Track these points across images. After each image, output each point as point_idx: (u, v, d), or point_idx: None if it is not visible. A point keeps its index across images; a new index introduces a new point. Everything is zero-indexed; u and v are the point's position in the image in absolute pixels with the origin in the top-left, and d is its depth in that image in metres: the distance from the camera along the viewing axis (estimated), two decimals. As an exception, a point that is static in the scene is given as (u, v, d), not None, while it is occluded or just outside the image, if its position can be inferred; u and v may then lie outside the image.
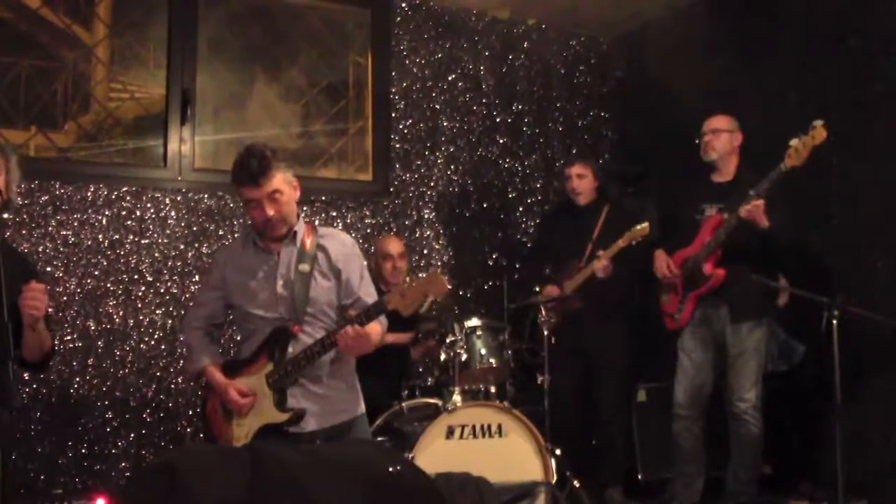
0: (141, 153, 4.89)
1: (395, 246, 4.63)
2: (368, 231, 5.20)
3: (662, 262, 4.27)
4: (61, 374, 4.36)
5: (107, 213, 4.55)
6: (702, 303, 4.21)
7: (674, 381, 4.32)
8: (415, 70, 5.48)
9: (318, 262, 3.20)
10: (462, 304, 5.38)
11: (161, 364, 4.59)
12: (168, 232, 4.69)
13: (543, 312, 4.39)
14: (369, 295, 3.23)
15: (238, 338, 3.68)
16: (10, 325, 2.47)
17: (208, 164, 4.93)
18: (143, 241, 4.62)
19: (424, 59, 5.51)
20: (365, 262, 3.37)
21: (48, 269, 4.38)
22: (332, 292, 3.21)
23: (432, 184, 5.49)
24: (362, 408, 3.31)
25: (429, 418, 3.84)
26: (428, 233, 5.44)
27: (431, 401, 4.11)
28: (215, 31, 5.01)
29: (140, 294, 4.58)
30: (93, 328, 4.46)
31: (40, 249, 4.37)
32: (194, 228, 4.75)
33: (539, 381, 4.40)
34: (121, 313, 4.52)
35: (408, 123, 5.44)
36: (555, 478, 3.89)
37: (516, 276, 5.44)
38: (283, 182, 3.11)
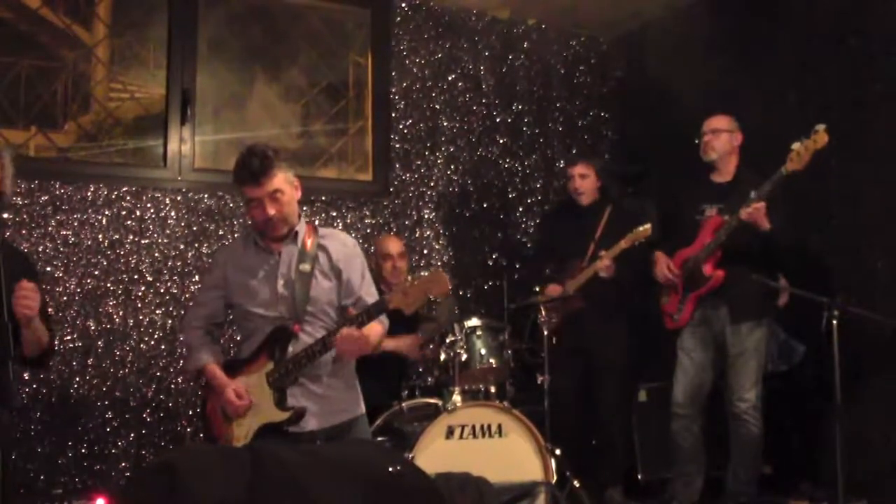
0: (141, 153, 4.89)
1: (394, 246, 4.63)
2: (368, 231, 5.20)
3: (663, 265, 4.27)
4: (61, 374, 4.36)
5: (107, 213, 4.55)
6: (701, 303, 4.21)
7: (673, 381, 4.32)
8: (415, 70, 5.48)
9: (319, 261, 3.21)
10: (462, 304, 5.38)
11: (161, 364, 4.59)
12: (168, 232, 4.69)
13: (543, 312, 4.39)
14: (370, 295, 3.23)
15: (238, 337, 3.68)
16: (10, 326, 2.47)
17: (208, 164, 4.93)
18: (143, 241, 4.62)
19: (424, 59, 5.52)
20: (366, 263, 3.37)
21: (48, 269, 4.38)
22: (333, 292, 3.21)
23: (432, 184, 5.49)
24: (362, 408, 3.31)
25: (429, 418, 3.84)
26: (428, 233, 5.45)
27: (431, 401, 4.11)
28: (215, 31, 5.01)
29: (140, 294, 4.59)
30: (93, 328, 4.46)
31: (40, 249, 4.37)
32: (194, 228, 4.75)
33: (539, 382, 4.40)
34: (121, 313, 4.52)
35: (408, 123, 5.44)
36: (555, 478, 3.89)
37: (516, 276, 5.45)
38: (284, 182, 3.12)
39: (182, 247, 4.71)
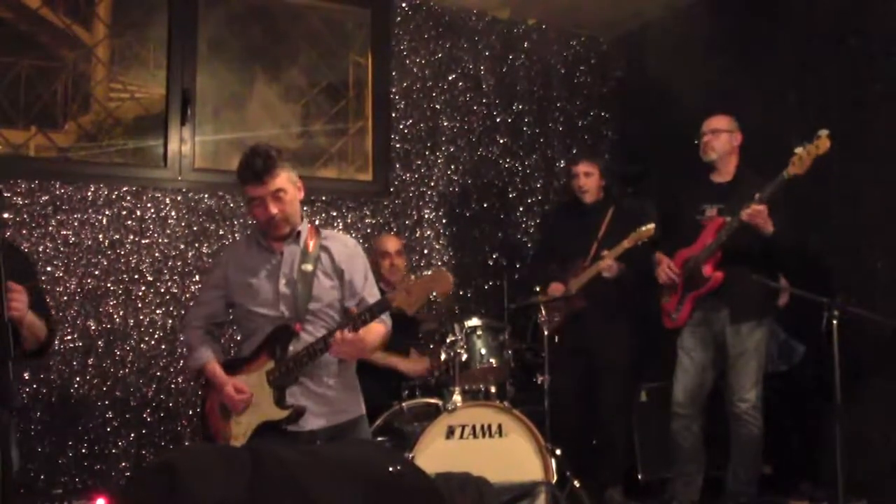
0: (141, 153, 4.89)
1: (392, 244, 4.63)
2: (368, 231, 5.20)
3: (664, 267, 4.28)
4: (61, 374, 4.36)
5: (107, 213, 4.55)
6: (701, 303, 4.21)
7: (673, 380, 4.33)
8: (415, 70, 5.48)
9: (322, 262, 3.22)
10: (462, 304, 5.38)
11: (161, 364, 4.59)
12: (168, 232, 4.69)
13: (544, 312, 4.39)
14: (373, 295, 3.24)
15: (238, 337, 3.68)
16: (10, 326, 2.48)
17: (208, 164, 4.93)
18: (143, 241, 4.62)
19: (424, 59, 5.52)
20: (369, 264, 3.38)
21: (48, 269, 4.38)
22: (335, 292, 3.22)
23: (432, 184, 5.49)
24: (363, 409, 3.31)
25: (429, 418, 3.84)
26: (428, 233, 5.45)
27: (431, 401, 4.11)
28: (215, 31, 5.01)
29: (140, 294, 4.59)
30: (93, 328, 4.46)
31: (40, 249, 4.38)
32: (194, 228, 4.75)
33: (539, 381, 4.40)
34: (121, 313, 4.53)
35: (408, 123, 5.44)
36: (555, 478, 3.89)
37: (516, 276, 5.45)
38: (287, 181, 3.13)
39: (182, 247, 4.71)
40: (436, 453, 3.71)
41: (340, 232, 4.92)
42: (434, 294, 2.96)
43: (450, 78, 5.59)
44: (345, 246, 3.30)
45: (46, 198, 4.42)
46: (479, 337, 4.18)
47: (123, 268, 4.56)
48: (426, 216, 5.44)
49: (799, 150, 3.79)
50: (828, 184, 4.43)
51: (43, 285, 4.26)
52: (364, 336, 3.03)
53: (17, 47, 4.61)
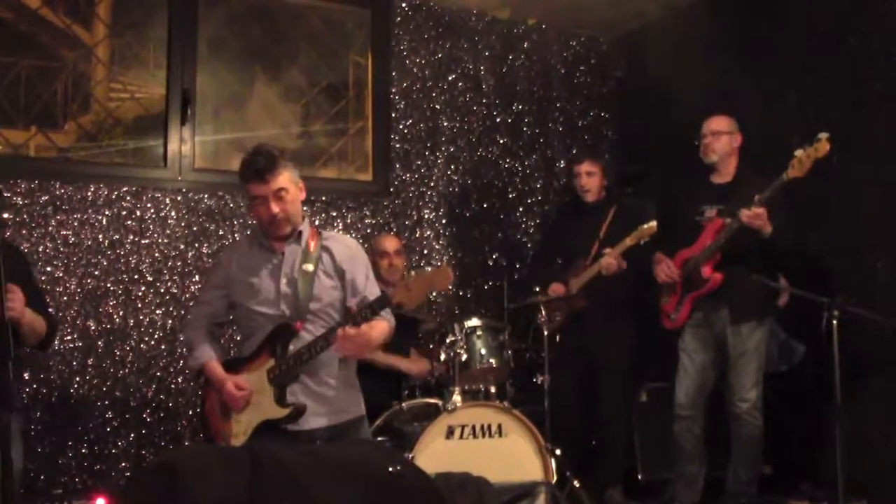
0: (141, 153, 4.89)
1: (391, 244, 4.63)
2: (368, 231, 5.20)
3: (663, 268, 4.28)
4: (61, 374, 4.36)
5: (107, 213, 4.55)
6: (701, 304, 4.21)
7: (674, 381, 4.33)
8: (415, 70, 5.48)
9: (323, 262, 3.23)
10: (462, 304, 5.38)
11: (161, 364, 4.59)
12: (168, 232, 4.69)
13: (544, 312, 4.39)
14: (374, 295, 3.23)
15: (238, 338, 3.68)
16: (9, 327, 2.49)
17: (208, 164, 4.93)
18: (143, 241, 4.62)
19: (424, 59, 5.52)
20: (370, 264, 3.38)
21: (48, 269, 4.38)
22: (336, 291, 3.22)
23: (432, 184, 5.49)
24: (363, 409, 3.31)
25: (429, 418, 3.84)
26: (428, 233, 5.45)
27: (431, 401, 4.11)
28: (215, 31, 5.01)
29: (140, 294, 4.59)
30: (93, 328, 4.46)
31: (40, 249, 4.38)
32: (194, 228, 4.75)
33: (539, 381, 4.40)
34: (121, 313, 4.53)
35: (408, 123, 5.44)
36: (555, 478, 3.89)
37: (516, 276, 5.45)
38: (289, 181, 3.15)
39: (182, 247, 4.71)
40: (436, 453, 3.71)
41: (340, 232, 4.93)
42: (434, 289, 2.97)
43: (450, 78, 5.59)
44: (346, 246, 3.31)
45: (46, 198, 4.42)
46: (478, 337, 4.18)
47: (123, 268, 4.56)
48: (426, 216, 5.44)
49: (798, 152, 3.79)
50: (828, 184, 4.43)
51: (43, 285, 4.27)
52: (367, 331, 3.03)
53: (17, 47, 4.60)
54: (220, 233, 4.81)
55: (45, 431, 4.29)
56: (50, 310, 3.32)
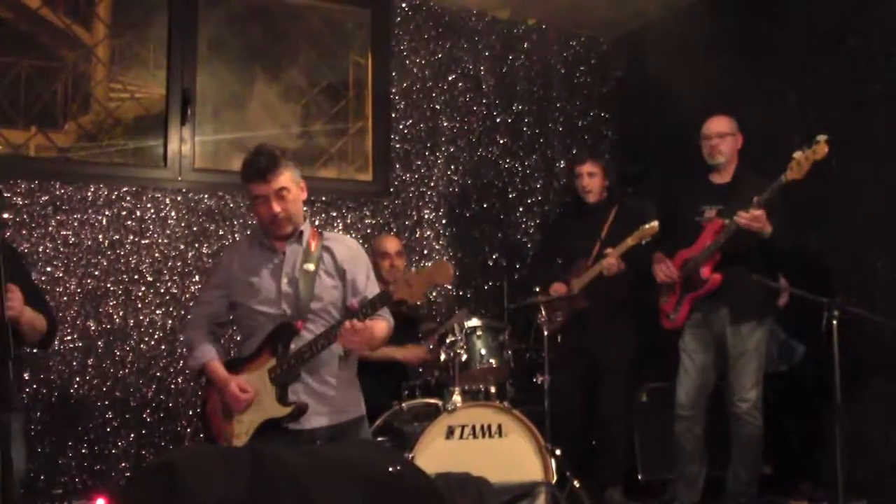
0: (141, 153, 4.89)
1: (392, 244, 4.63)
2: (368, 231, 5.20)
3: (662, 268, 4.28)
4: (61, 374, 4.36)
5: (107, 213, 4.55)
6: (700, 305, 4.22)
7: (674, 381, 4.33)
8: (415, 70, 5.48)
9: (324, 261, 3.24)
10: (462, 304, 5.38)
11: (161, 364, 4.59)
12: (168, 232, 4.69)
13: (544, 312, 4.39)
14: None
15: (238, 338, 3.68)
16: (9, 327, 2.49)
17: (208, 164, 4.93)
18: (143, 241, 4.62)
19: (424, 59, 5.52)
20: (370, 264, 3.38)
21: (48, 269, 4.38)
22: (337, 291, 3.23)
23: (432, 184, 5.49)
24: (363, 409, 3.31)
25: (429, 418, 3.84)
26: (428, 233, 5.44)
27: (431, 401, 4.11)
28: (215, 31, 5.01)
29: (140, 294, 4.59)
30: (93, 328, 4.46)
31: (40, 249, 4.37)
32: (194, 228, 4.75)
33: (539, 382, 4.40)
34: (121, 313, 4.52)
35: (408, 123, 5.44)
36: (555, 478, 3.89)
37: (516, 276, 5.45)
38: (290, 180, 3.15)
39: (182, 247, 4.71)
40: (436, 453, 3.71)
41: (340, 232, 4.94)
42: (435, 284, 2.98)
43: (450, 78, 5.59)
44: (347, 247, 3.32)
45: (46, 198, 4.42)
46: (478, 337, 4.18)
47: (123, 268, 4.56)
48: (426, 216, 5.44)
49: (797, 154, 3.80)
50: (827, 184, 4.43)
51: (43, 285, 4.27)
52: (372, 326, 3.05)
53: (17, 47, 4.60)
54: (220, 233, 4.81)
55: (45, 431, 4.29)
56: (48, 307, 3.32)
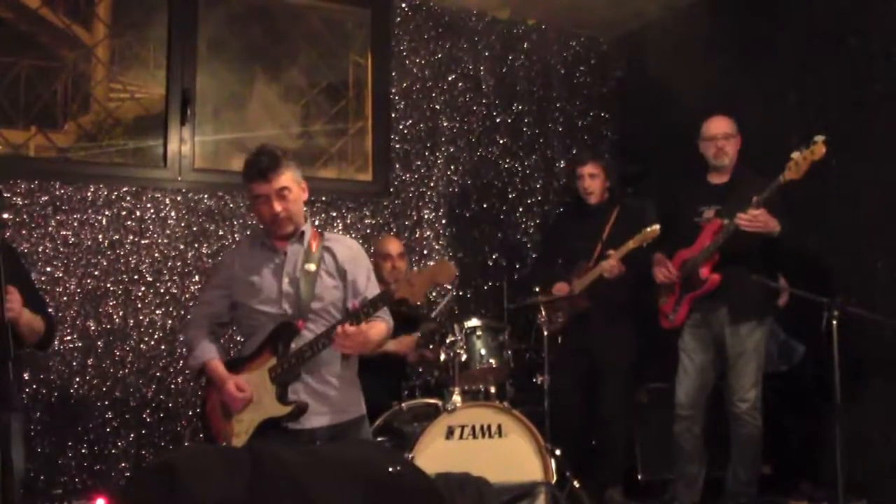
0: (141, 153, 4.89)
1: (394, 246, 4.63)
2: (368, 231, 5.20)
3: (661, 269, 4.28)
4: (61, 374, 4.36)
5: (107, 213, 4.55)
6: (700, 305, 4.21)
7: (674, 382, 4.33)
8: (415, 70, 5.48)
9: (325, 262, 3.24)
10: (462, 304, 5.38)
11: (161, 364, 4.59)
12: (168, 232, 4.69)
13: (543, 313, 4.39)
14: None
15: (239, 338, 3.69)
16: (9, 327, 2.49)
17: (208, 164, 4.93)
18: (143, 242, 4.62)
19: (424, 59, 5.52)
20: (371, 266, 3.39)
21: (48, 269, 4.38)
22: (338, 291, 3.23)
23: (432, 184, 5.49)
24: (363, 409, 3.31)
25: (429, 418, 3.84)
26: (428, 233, 5.44)
27: (431, 401, 4.11)
28: (215, 31, 5.01)
29: (140, 294, 4.59)
30: (93, 328, 4.46)
31: (40, 249, 4.38)
32: (194, 228, 4.75)
33: (539, 382, 4.40)
34: (121, 313, 4.52)
35: (408, 123, 5.44)
36: (555, 478, 3.89)
37: (516, 277, 5.45)
38: (291, 180, 3.16)
39: (182, 247, 4.71)
40: (435, 454, 3.71)
41: (340, 233, 4.94)
42: (437, 283, 2.98)
43: (450, 78, 5.59)
44: (348, 247, 3.32)
45: (46, 198, 4.42)
46: (478, 337, 4.18)
47: (123, 268, 4.56)
48: (426, 216, 5.44)
49: (795, 155, 3.79)
50: (827, 184, 4.43)
51: (42, 285, 4.27)
52: (366, 330, 3.04)
53: (17, 47, 4.61)
54: (220, 233, 4.81)
55: (45, 431, 4.29)
56: (49, 309, 3.32)
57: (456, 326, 4.13)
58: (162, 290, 4.64)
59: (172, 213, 4.71)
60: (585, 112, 6.05)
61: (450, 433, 3.80)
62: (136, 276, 4.58)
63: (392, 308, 3.22)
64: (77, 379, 4.40)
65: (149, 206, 4.66)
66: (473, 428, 3.83)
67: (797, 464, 4.58)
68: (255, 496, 2.36)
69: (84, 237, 4.49)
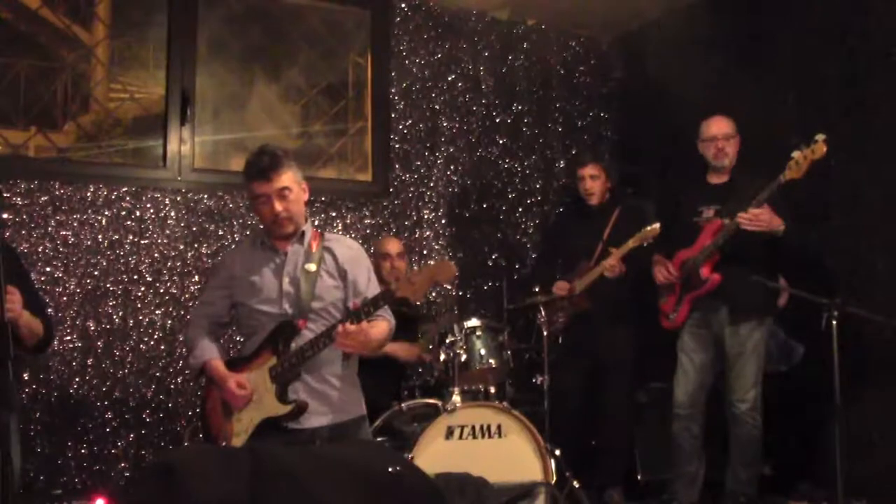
0: (141, 153, 4.90)
1: (393, 246, 4.63)
2: (368, 231, 5.20)
3: (661, 269, 4.28)
4: (61, 374, 4.36)
5: (106, 213, 4.55)
6: (699, 304, 4.21)
7: (673, 381, 4.32)
8: (415, 70, 5.48)
9: (325, 262, 3.24)
10: (462, 304, 5.38)
11: (161, 364, 4.59)
12: (168, 232, 4.69)
13: (543, 313, 4.39)
14: None
15: (239, 338, 3.69)
16: (9, 327, 2.49)
17: (208, 164, 4.93)
18: (142, 242, 4.62)
19: (424, 60, 5.52)
20: (371, 266, 3.38)
21: (48, 269, 4.38)
22: (338, 292, 3.23)
23: (432, 184, 5.49)
24: (363, 410, 3.31)
25: (428, 419, 3.84)
26: (428, 233, 5.44)
27: (431, 401, 4.11)
28: (215, 31, 5.01)
29: (140, 294, 4.59)
30: (93, 328, 4.46)
31: (40, 249, 4.38)
32: (194, 228, 4.75)
33: (539, 382, 4.40)
34: (121, 313, 4.52)
35: (408, 123, 5.44)
36: (554, 478, 3.89)
37: (516, 277, 5.45)
38: (292, 180, 3.16)
39: (182, 247, 4.71)
40: (435, 454, 3.71)
41: (340, 233, 4.94)
42: (438, 282, 2.98)
43: (449, 78, 5.59)
44: (348, 248, 3.32)
45: (46, 198, 4.42)
46: (478, 337, 4.18)
47: (123, 268, 4.56)
48: (426, 216, 5.44)
49: (795, 154, 3.79)
50: (828, 184, 4.43)
51: (42, 285, 4.27)
52: (368, 328, 3.03)
53: (17, 47, 4.61)
54: (220, 233, 4.81)
55: (45, 431, 4.29)
56: (48, 311, 3.32)
57: (456, 326, 4.12)
58: (161, 291, 4.64)
59: (172, 214, 4.71)
60: (585, 112, 6.05)
61: (449, 433, 3.80)
62: (135, 277, 4.58)
63: (393, 307, 3.22)
64: (77, 379, 4.40)
65: (148, 206, 4.66)
66: (473, 428, 3.83)
67: (797, 464, 4.58)
68: (255, 496, 2.36)
69: (84, 237, 4.49)
